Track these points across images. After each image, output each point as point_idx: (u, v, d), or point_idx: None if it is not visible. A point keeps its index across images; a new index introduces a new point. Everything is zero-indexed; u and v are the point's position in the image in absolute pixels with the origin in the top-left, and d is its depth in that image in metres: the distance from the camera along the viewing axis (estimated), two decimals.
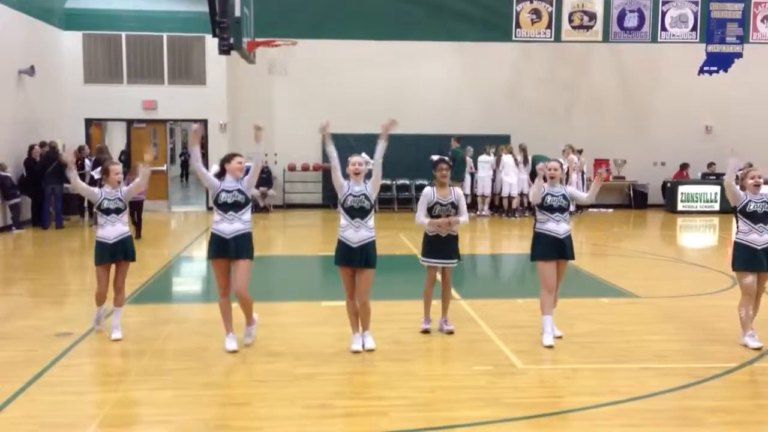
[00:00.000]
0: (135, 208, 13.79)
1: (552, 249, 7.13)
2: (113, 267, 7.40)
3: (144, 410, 5.63)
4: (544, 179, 7.24)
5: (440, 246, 7.42)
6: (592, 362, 6.67)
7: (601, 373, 6.39)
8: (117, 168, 7.47)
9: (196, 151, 7.14)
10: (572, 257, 7.26)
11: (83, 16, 19.32)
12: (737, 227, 7.12)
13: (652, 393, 5.87)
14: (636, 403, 5.67)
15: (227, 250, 6.73)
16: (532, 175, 18.73)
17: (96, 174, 7.60)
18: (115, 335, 7.28)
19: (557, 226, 7.13)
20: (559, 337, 7.24)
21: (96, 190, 7.46)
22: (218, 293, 6.93)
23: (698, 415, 5.47)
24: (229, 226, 6.73)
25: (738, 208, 7.06)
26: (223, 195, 6.76)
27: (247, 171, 6.88)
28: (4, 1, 15.82)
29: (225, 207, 6.74)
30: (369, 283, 6.82)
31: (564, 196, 7.19)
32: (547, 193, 7.18)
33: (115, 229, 7.29)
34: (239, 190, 6.78)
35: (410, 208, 19.41)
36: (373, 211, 6.83)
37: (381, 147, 6.76)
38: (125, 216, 7.44)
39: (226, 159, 6.92)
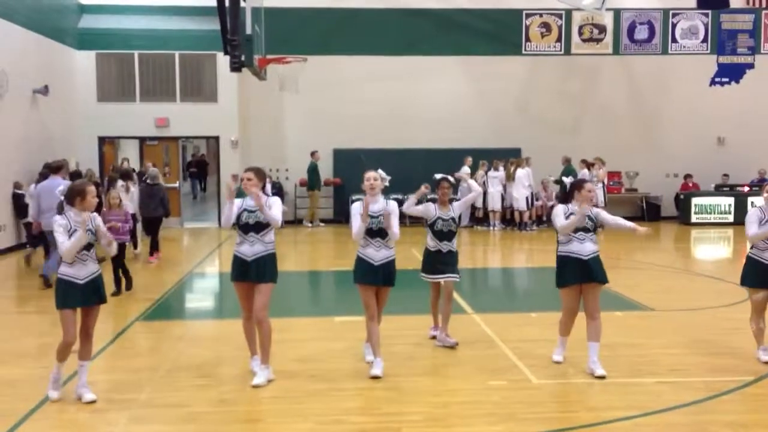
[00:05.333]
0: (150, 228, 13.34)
1: (575, 273, 6.66)
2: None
3: (157, 428, 5.61)
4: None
5: (440, 261, 7.45)
6: (607, 376, 6.61)
7: (616, 387, 6.34)
8: (93, 190, 6.00)
9: (229, 210, 6.46)
10: (602, 279, 6.70)
11: (96, 36, 19.51)
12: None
13: (668, 407, 5.82)
14: (652, 418, 5.62)
15: (249, 274, 6.40)
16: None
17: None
18: (88, 397, 6.02)
19: (581, 246, 6.64)
20: (602, 377, 6.52)
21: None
22: (242, 316, 6.67)
23: (715, 429, 5.42)
24: (251, 248, 6.38)
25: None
26: (245, 215, 6.42)
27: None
28: (18, 21, 16.00)
29: (246, 228, 6.38)
30: (386, 301, 6.87)
31: (588, 216, 6.67)
32: (570, 213, 6.72)
33: (86, 267, 5.97)
34: None
35: (421, 223, 19.31)
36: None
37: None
38: (95, 252, 6.12)
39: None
